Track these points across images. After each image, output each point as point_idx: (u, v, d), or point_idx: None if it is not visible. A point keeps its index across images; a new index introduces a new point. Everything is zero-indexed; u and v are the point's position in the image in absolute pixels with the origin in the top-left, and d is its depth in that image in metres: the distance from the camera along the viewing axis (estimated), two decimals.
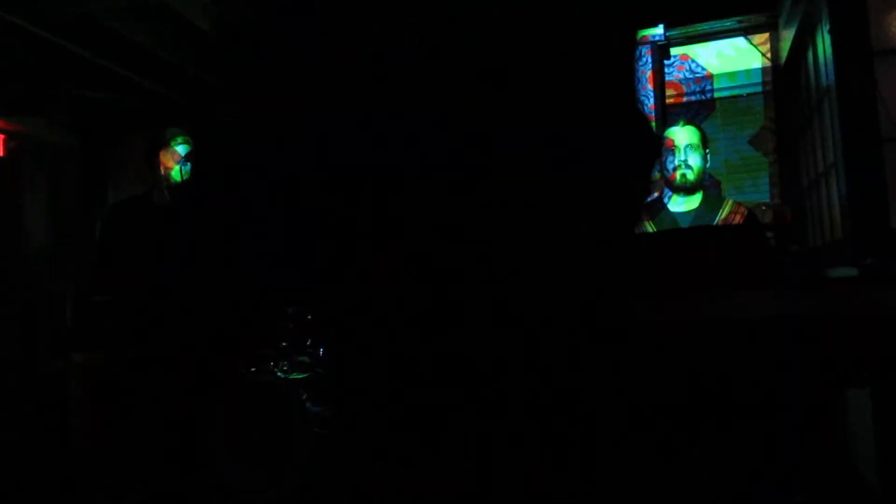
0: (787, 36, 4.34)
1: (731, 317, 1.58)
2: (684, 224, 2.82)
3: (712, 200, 2.90)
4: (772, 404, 1.71)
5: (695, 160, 2.84)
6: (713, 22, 4.78)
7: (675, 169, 2.86)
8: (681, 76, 4.97)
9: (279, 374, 3.31)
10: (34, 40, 4.80)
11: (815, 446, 1.77)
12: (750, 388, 1.68)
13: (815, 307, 1.55)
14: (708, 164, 2.92)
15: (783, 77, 4.66)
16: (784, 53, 4.51)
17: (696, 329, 1.60)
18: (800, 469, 1.73)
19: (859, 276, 2.86)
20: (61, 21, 4.65)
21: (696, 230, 2.65)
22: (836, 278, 1.93)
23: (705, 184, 2.95)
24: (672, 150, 2.89)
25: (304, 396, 3.17)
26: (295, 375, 3.33)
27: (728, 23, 4.76)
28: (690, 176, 2.83)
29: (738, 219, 2.79)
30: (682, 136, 2.87)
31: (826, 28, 3.35)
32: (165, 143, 3.18)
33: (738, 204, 2.87)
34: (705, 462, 1.72)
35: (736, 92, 4.84)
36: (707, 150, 2.91)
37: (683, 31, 4.82)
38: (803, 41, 4.07)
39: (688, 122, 2.96)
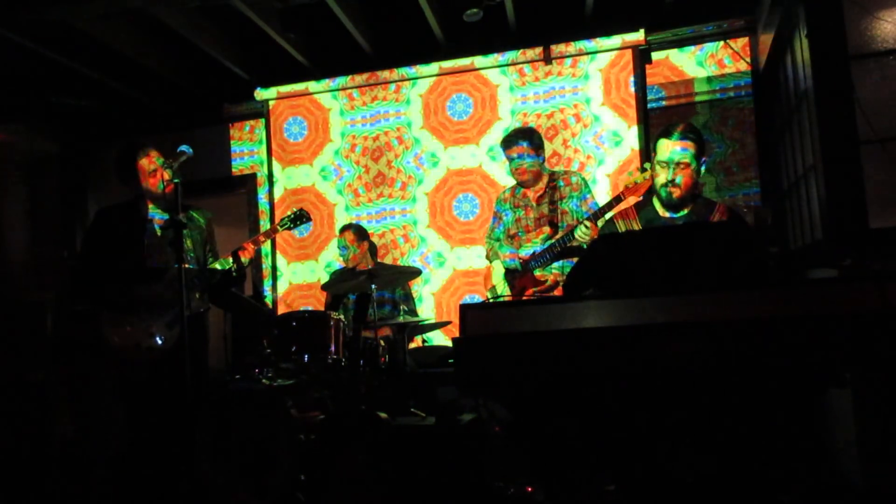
0: (766, 40, 4.39)
1: (718, 317, 1.59)
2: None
3: (702, 205, 2.71)
4: (756, 404, 1.73)
5: (686, 177, 2.57)
6: (693, 27, 4.83)
7: (661, 186, 2.62)
8: (662, 80, 5.00)
9: (264, 381, 3.29)
10: (12, 47, 4.75)
11: (798, 447, 1.79)
12: (734, 387, 1.70)
13: (796, 307, 1.57)
14: (701, 175, 2.64)
15: (762, 81, 4.72)
16: (763, 57, 4.57)
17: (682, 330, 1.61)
18: (783, 469, 1.75)
19: (839, 275, 2.90)
20: (40, 28, 4.60)
21: (684, 227, 2.54)
22: (817, 278, 1.95)
23: (696, 194, 2.70)
24: (660, 163, 2.60)
25: (290, 404, 3.15)
26: (280, 383, 3.31)
27: (708, 27, 4.82)
28: (676, 194, 2.60)
29: (718, 216, 2.66)
30: (672, 150, 2.57)
31: (804, 32, 3.39)
32: (141, 158, 3.17)
33: (723, 205, 2.71)
34: (691, 463, 1.73)
35: (717, 97, 4.89)
36: (704, 161, 2.62)
37: (664, 35, 4.87)
38: (782, 45, 4.12)
39: (685, 132, 2.58)
